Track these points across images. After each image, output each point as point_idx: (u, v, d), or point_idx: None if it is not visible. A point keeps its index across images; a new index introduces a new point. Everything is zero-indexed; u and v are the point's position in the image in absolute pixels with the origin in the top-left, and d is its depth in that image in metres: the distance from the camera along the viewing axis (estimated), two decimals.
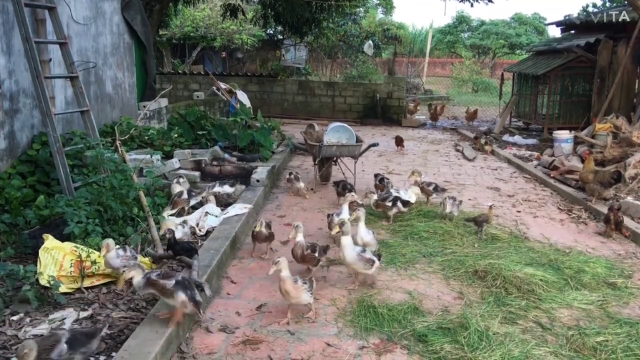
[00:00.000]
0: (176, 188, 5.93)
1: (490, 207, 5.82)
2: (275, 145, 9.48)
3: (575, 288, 4.40)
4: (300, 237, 4.41)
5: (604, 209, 6.41)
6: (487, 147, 10.99)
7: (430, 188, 6.62)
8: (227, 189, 6.35)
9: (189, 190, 5.84)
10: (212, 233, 5.18)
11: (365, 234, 4.71)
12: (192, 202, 5.82)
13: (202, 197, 6.03)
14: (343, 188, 6.58)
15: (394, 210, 5.99)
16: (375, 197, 6.14)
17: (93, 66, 7.35)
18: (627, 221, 5.99)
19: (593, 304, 4.14)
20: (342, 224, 4.14)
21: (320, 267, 4.60)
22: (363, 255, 4.14)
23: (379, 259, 4.44)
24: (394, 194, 6.21)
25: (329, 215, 5.50)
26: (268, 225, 5.01)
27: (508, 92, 16.57)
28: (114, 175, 5.10)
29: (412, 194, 6.24)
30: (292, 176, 7.17)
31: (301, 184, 7.12)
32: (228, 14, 15.27)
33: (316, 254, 4.40)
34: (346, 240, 4.12)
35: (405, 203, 6.04)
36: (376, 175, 7.14)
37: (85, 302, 3.81)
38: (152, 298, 3.90)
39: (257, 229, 4.92)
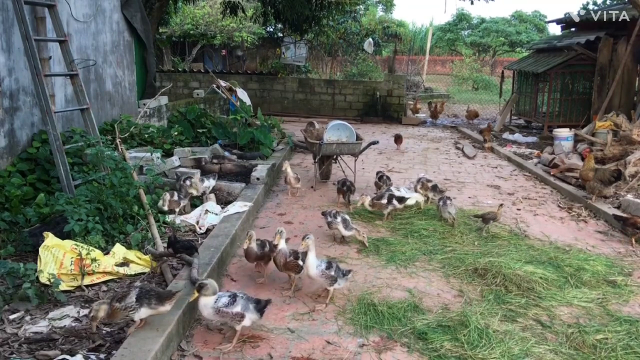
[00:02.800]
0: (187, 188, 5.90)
1: (501, 205, 5.80)
2: (275, 143, 9.48)
3: (575, 286, 4.40)
4: (282, 244, 4.19)
5: (604, 207, 6.41)
6: (486, 145, 10.99)
7: (429, 185, 6.63)
8: (211, 182, 6.31)
9: (178, 193, 5.65)
10: (212, 231, 5.18)
11: (312, 267, 3.94)
12: (183, 203, 5.67)
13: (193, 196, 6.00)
14: (343, 185, 6.59)
15: (389, 207, 5.95)
16: (368, 198, 6.00)
17: (93, 64, 7.35)
18: None
19: (593, 302, 4.14)
20: (199, 288, 3.39)
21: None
22: (225, 310, 3.36)
23: (344, 276, 4.05)
24: (395, 192, 6.23)
25: (323, 214, 5.41)
26: (264, 244, 4.38)
27: (508, 90, 16.57)
28: (114, 173, 5.11)
29: (415, 195, 6.31)
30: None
31: (289, 172, 6.87)
32: (228, 11, 15.21)
33: (299, 261, 4.17)
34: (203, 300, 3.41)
35: (400, 199, 6.04)
36: (377, 173, 7.14)
37: (85, 300, 3.82)
38: None
39: (247, 245, 4.29)
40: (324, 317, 3.85)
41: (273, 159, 8.33)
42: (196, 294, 3.38)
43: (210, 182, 6.28)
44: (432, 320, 3.78)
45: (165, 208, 5.47)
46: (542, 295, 4.20)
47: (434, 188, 6.63)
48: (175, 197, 5.59)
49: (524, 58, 16.00)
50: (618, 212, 6.13)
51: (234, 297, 3.42)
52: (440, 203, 5.92)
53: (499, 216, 5.67)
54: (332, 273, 3.97)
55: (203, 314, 3.44)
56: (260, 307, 3.50)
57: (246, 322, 3.43)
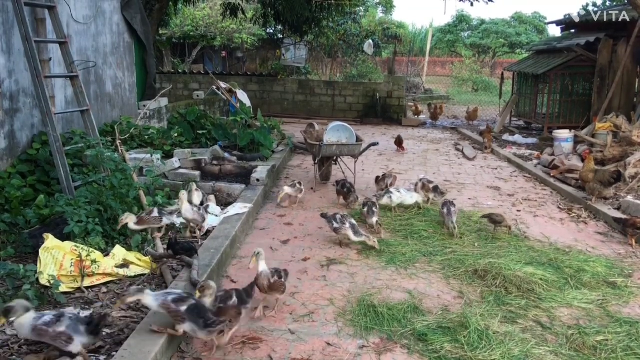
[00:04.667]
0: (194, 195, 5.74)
1: (509, 227, 5.69)
2: (276, 144, 9.48)
3: (575, 287, 4.40)
4: (263, 266, 3.81)
5: (604, 208, 6.42)
6: (487, 150, 10.96)
7: (431, 186, 6.63)
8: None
9: (159, 209, 4.97)
10: (212, 232, 5.18)
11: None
12: (165, 221, 4.93)
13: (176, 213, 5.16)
14: (343, 187, 6.59)
15: (374, 219, 5.53)
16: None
17: (93, 65, 7.35)
18: None
19: (593, 303, 4.14)
20: (5, 313, 2.93)
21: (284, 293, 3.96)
22: (44, 328, 2.94)
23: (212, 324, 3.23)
24: (395, 193, 6.24)
25: (326, 217, 5.37)
26: (227, 296, 3.55)
27: (508, 91, 16.57)
28: (114, 175, 5.11)
29: (415, 195, 6.30)
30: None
31: (286, 190, 6.52)
32: (228, 13, 15.26)
33: (283, 280, 3.89)
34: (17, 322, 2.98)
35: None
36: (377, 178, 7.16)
37: (85, 302, 3.82)
38: None
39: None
40: (324, 318, 3.85)
41: (273, 160, 8.33)
42: (3, 320, 2.99)
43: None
44: (432, 321, 3.78)
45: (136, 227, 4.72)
46: (542, 296, 4.20)
47: (435, 189, 6.63)
48: (156, 214, 4.86)
49: (524, 59, 16.01)
50: (618, 215, 6.13)
51: (59, 317, 3.04)
52: (445, 210, 5.66)
53: (506, 221, 5.62)
54: None
55: (20, 334, 3.13)
56: (92, 327, 3.08)
57: (75, 346, 3.01)
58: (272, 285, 3.80)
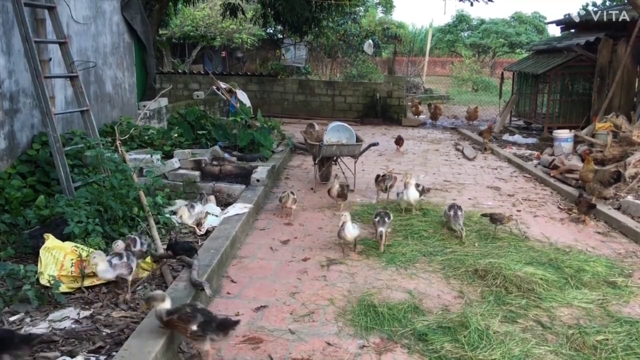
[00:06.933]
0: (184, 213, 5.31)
1: (509, 216, 5.72)
2: (275, 144, 9.48)
3: (575, 287, 4.40)
4: (165, 304, 3.19)
5: (604, 208, 6.42)
6: (487, 151, 10.95)
7: (419, 189, 6.54)
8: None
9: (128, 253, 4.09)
10: (212, 233, 5.18)
11: None
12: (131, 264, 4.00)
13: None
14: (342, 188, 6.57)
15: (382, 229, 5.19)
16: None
17: (93, 66, 7.35)
18: (627, 220, 6.00)
19: (593, 303, 4.14)
20: None
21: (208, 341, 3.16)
22: None
23: None
24: (405, 194, 6.20)
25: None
26: None
27: (508, 91, 16.57)
28: (114, 175, 5.11)
29: (413, 193, 6.26)
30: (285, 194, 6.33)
31: (290, 200, 6.12)
32: (228, 13, 15.27)
33: (194, 326, 3.04)
34: None
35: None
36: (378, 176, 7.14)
37: (85, 302, 3.82)
38: None
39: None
40: (324, 318, 3.85)
41: (273, 160, 8.32)
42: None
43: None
44: (432, 321, 3.78)
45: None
46: (542, 296, 4.20)
47: (422, 190, 6.46)
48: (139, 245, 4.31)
49: (524, 59, 16.01)
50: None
51: None
52: (451, 213, 5.56)
53: (506, 221, 5.61)
54: None
55: None
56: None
57: None
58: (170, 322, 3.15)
